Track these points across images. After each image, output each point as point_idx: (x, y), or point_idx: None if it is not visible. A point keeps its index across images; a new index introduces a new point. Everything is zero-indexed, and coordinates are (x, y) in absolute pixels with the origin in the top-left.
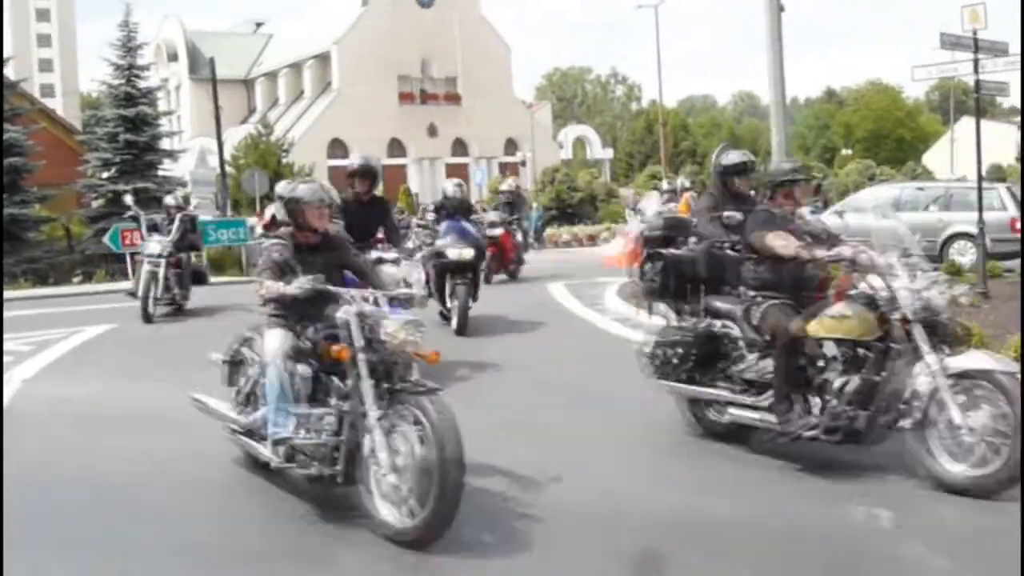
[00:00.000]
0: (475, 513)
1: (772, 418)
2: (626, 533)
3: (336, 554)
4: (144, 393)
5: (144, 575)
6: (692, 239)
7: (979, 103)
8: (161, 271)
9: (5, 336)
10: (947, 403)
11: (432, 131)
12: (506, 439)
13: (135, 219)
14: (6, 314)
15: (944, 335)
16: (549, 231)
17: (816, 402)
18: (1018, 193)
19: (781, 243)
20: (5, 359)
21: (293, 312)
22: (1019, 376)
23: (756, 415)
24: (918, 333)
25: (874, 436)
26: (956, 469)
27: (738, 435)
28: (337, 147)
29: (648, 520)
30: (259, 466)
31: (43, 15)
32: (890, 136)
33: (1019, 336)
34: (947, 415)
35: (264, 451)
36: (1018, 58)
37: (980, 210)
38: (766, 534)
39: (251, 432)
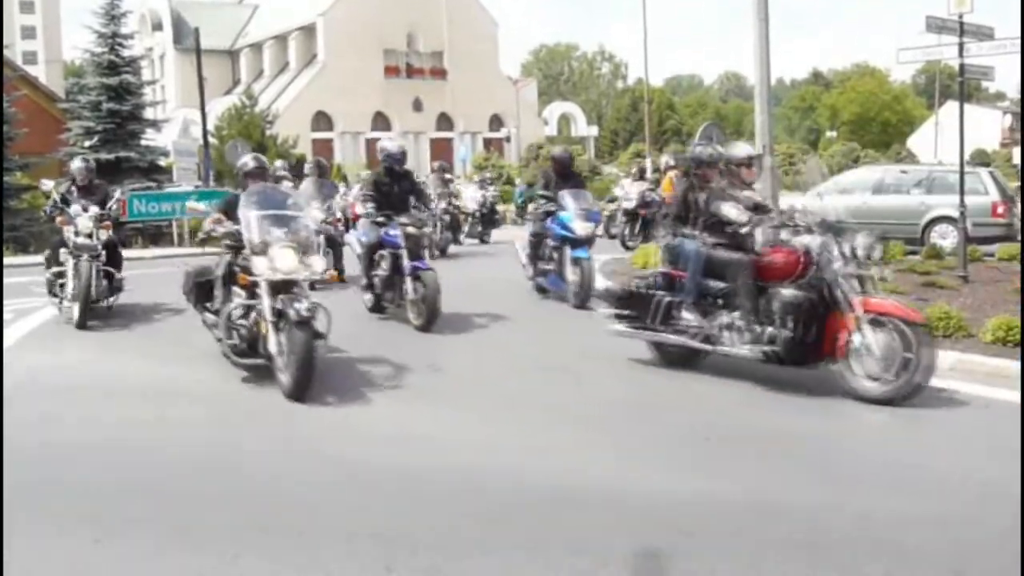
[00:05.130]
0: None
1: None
2: (592, 509)
3: (315, 531)
4: (123, 362)
5: (118, 544)
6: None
7: (963, 87)
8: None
9: None
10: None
11: (417, 105)
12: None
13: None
14: None
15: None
16: (531, 207)
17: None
18: (1000, 178)
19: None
20: None
21: None
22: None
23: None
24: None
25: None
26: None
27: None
28: (321, 120)
29: (618, 495)
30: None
31: None
32: (875, 119)
33: (996, 320)
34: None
35: None
36: (1004, 43)
37: (962, 194)
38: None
39: None
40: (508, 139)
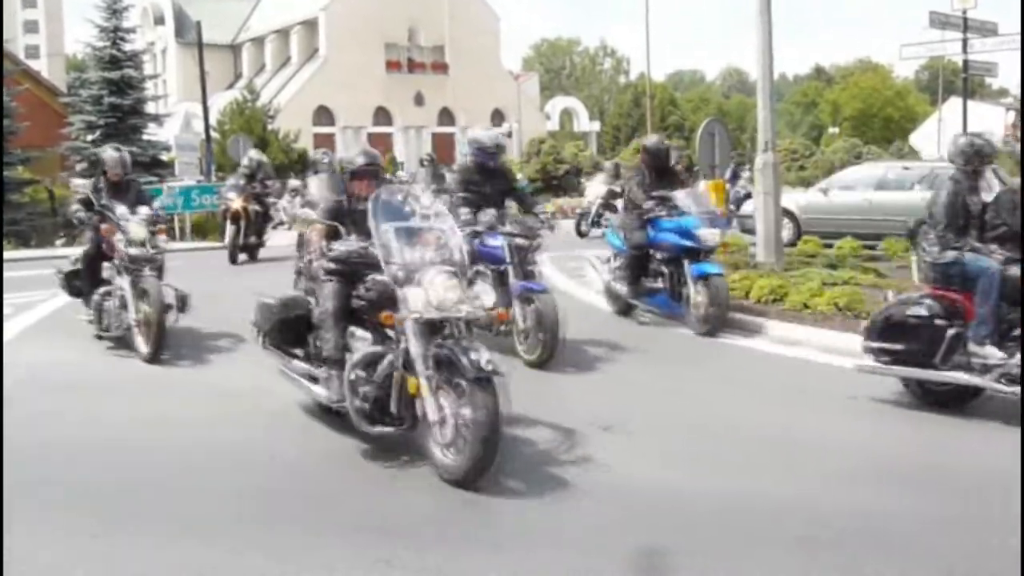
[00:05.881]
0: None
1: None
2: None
3: (304, 524)
4: (123, 358)
5: (115, 539)
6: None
7: (967, 83)
8: None
9: None
10: None
11: (419, 100)
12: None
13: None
14: None
15: None
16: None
17: None
18: (1003, 175)
19: None
20: None
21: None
22: None
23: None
24: None
25: None
26: None
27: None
28: (323, 114)
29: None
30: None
31: None
32: (878, 115)
33: None
34: None
35: None
36: (1007, 38)
37: None
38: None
39: None
40: (509, 134)
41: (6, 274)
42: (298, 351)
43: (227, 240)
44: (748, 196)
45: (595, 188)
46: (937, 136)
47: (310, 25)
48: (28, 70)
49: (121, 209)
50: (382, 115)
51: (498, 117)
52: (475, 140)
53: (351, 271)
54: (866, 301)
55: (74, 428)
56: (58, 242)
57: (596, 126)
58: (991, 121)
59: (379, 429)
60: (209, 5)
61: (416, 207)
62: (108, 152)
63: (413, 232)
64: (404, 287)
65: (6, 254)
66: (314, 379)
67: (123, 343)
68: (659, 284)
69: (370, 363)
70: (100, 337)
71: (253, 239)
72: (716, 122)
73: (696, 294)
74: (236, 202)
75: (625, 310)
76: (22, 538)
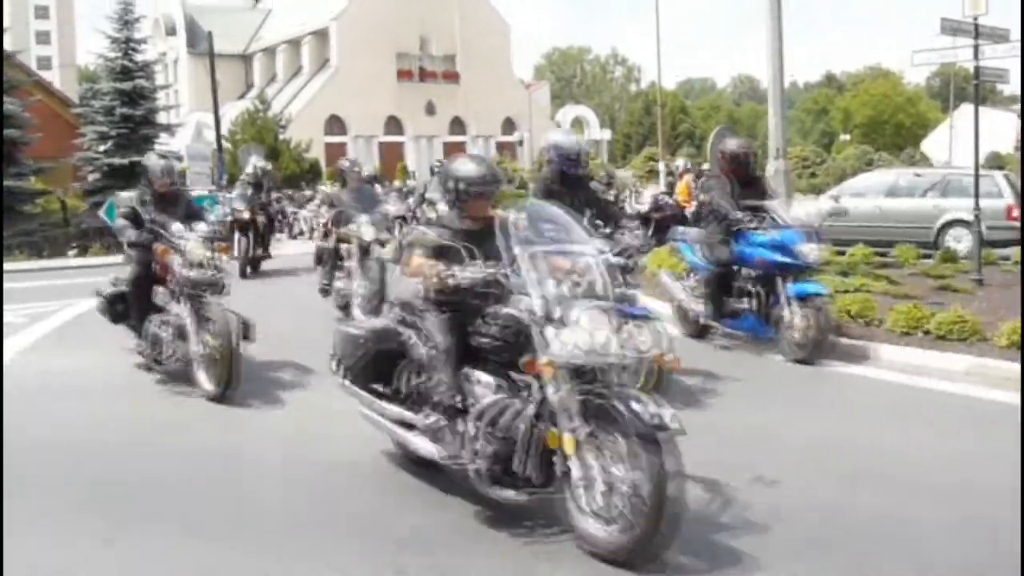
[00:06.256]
0: None
1: None
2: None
3: (329, 531)
4: (134, 366)
5: (128, 541)
6: None
7: (979, 90)
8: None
9: None
10: None
11: (430, 109)
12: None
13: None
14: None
15: None
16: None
17: None
18: (1015, 181)
19: None
20: None
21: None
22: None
23: None
24: None
25: None
26: None
27: None
28: (335, 124)
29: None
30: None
31: None
32: (889, 122)
33: (1011, 324)
34: None
35: None
36: (1019, 45)
37: (976, 197)
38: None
39: None
40: (521, 143)
41: (20, 284)
42: (384, 389)
43: (238, 252)
44: None
45: None
46: (949, 143)
47: (321, 35)
48: (40, 81)
49: (176, 226)
50: (393, 124)
51: (509, 126)
52: (556, 145)
53: (467, 302)
54: (878, 308)
55: (86, 432)
56: (70, 252)
57: (607, 134)
58: (1003, 127)
59: (513, 495)
60: (220, 16)
61: (551, 227)
62: (152, 159)
63: (551, 258)
64: (548, 326)
65: (19, 264)
66: (407, 425)
67: (178, 376)
68: (745, 304)
69: (496, 414)
70: (150, 369)
71: (259, 251)
72: (727, 129)
73: (795, 316)
74: (245, 212)
75: (698, 333)
76: (30, 539)
